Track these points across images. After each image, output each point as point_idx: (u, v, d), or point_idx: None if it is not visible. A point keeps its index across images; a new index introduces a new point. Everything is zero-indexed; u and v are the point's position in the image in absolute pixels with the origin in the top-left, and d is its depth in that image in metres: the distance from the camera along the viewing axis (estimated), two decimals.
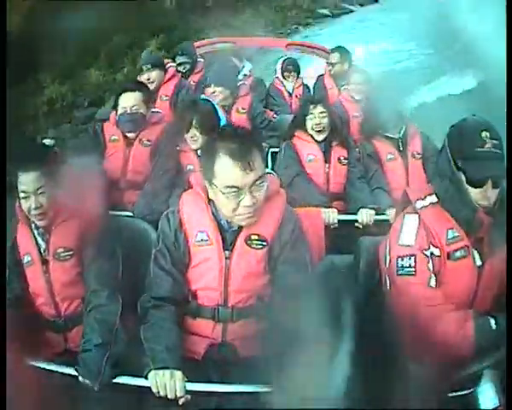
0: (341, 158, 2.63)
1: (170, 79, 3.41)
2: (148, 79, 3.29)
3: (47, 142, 1.75)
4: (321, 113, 2.60)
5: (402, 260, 1.49)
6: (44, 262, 1.67)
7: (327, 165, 2.61)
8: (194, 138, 2.34)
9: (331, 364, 1.10)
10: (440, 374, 1.20)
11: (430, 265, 1.49)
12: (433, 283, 1.48)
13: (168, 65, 3.52)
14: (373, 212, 2.34)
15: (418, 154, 2.58)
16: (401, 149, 2.61)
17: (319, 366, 1.10)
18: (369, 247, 1.73)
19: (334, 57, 3.96)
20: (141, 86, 2.59)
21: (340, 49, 4.05)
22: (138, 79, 3.39)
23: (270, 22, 10.95)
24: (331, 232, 2.21)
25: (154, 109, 2.63)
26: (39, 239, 1.68)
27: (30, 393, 1.30)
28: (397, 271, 1.50)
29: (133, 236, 1.93)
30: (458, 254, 1.48)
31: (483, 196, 1.44)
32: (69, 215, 1.66)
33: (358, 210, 2.37)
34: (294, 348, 1.12)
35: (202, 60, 4.07)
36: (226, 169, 1.40)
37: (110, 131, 2.51)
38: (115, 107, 2.50)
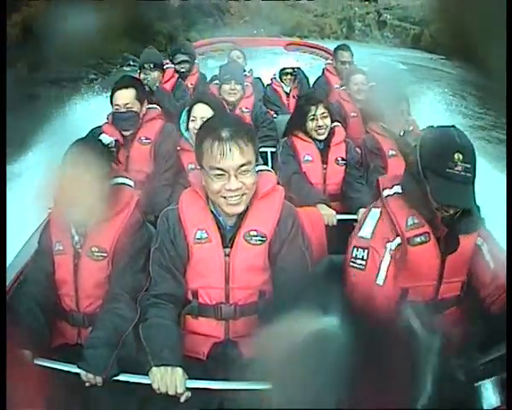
0: (339, 159, 2.62)
1: (168, 80, 3.42)
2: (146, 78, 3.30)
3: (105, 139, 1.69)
4: (322, 114, 2.56)
5: (357, 250, 1.56)
6: (76, 255, 1.64)
7: (324, 166, 2.60)
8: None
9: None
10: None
11: (384, 262, 1.53)
12: (380, 280, 1.52)
13: (166, 66, 3.52)
14: None
15: None
16: (403, 147, 2.62)
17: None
18: None
19: (347, 55, 3.89)
20: (135, 83, 2.54)
21: (348, 47, 4.00)
22: (137, 75, 3.39)
23: None
24: (330, 232, 2.21)
25: (150, 106, 2.60)
26: (73, 231, 1.64)
27: (31, 390, 1.30)
28: (350, 260, 1.57)
29: None
30: (418, 239, 1.54)
31: (443, 210, 1.49)
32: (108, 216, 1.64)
33: (357, 210, 2.37)
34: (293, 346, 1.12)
35: (198, 63, 4.09)
36: (211, 150, 1.41)
37: (109, 132, 2.50)
38: (112, 105, 2.47)
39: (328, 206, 2.40)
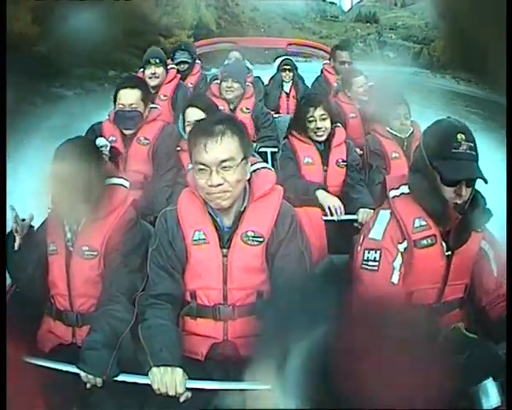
0: (340, 161, 2.61)
1: (171, 81, 3.43)
2: (154, 74, 3.31)
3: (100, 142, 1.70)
4: (321, 115, 2.54)
5: (368, 252, 1.55)
6: (68, 255, 1.64)
7: (324, 168, 2.59)
8: None
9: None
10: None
11: (397, 261, 1.53)
12: (395, 279, 1.52)
13: (170, 66, 3.53)
14: (372, 211, 2.33)
15: None
16: (405, 149, 2.64)
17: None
18: None
19: (345, 55, 3.87)
20: (141, 83, 2.56)
21: (346, 47, 3.99)
22: (140, 73, 3.40)
23: None
24: (330, 232, 2.21)
25: (152, 105, 2.61)
26: (67, 228, 1.65)
27: (30, 390, 1.30)
28: (361, 264, 1.55)
29: None
30: (425, 242, 1.54)
31: (456, 195, 1.48)
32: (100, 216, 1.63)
33: (357, 210, 2.37)
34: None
35: (200, 62, 4.09)
36: (196, 145, 1.43)
37: (109, 130, 2.50)
38: (114, 102, 2.47)
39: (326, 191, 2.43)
